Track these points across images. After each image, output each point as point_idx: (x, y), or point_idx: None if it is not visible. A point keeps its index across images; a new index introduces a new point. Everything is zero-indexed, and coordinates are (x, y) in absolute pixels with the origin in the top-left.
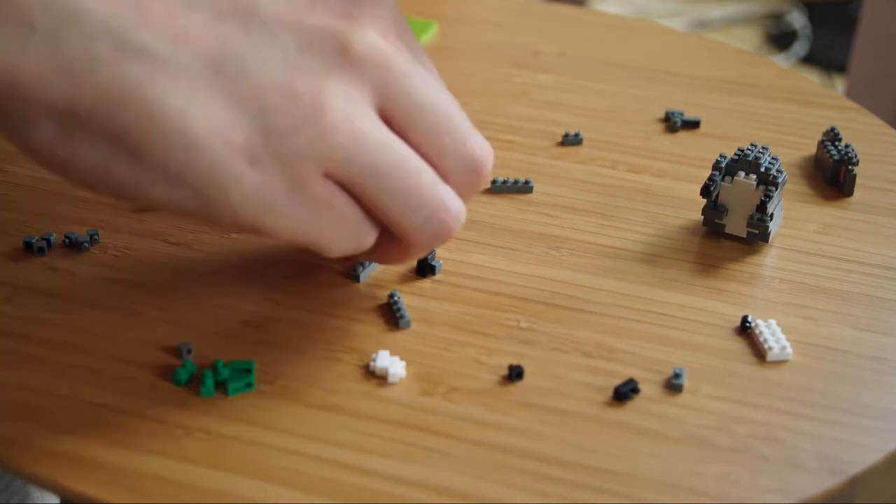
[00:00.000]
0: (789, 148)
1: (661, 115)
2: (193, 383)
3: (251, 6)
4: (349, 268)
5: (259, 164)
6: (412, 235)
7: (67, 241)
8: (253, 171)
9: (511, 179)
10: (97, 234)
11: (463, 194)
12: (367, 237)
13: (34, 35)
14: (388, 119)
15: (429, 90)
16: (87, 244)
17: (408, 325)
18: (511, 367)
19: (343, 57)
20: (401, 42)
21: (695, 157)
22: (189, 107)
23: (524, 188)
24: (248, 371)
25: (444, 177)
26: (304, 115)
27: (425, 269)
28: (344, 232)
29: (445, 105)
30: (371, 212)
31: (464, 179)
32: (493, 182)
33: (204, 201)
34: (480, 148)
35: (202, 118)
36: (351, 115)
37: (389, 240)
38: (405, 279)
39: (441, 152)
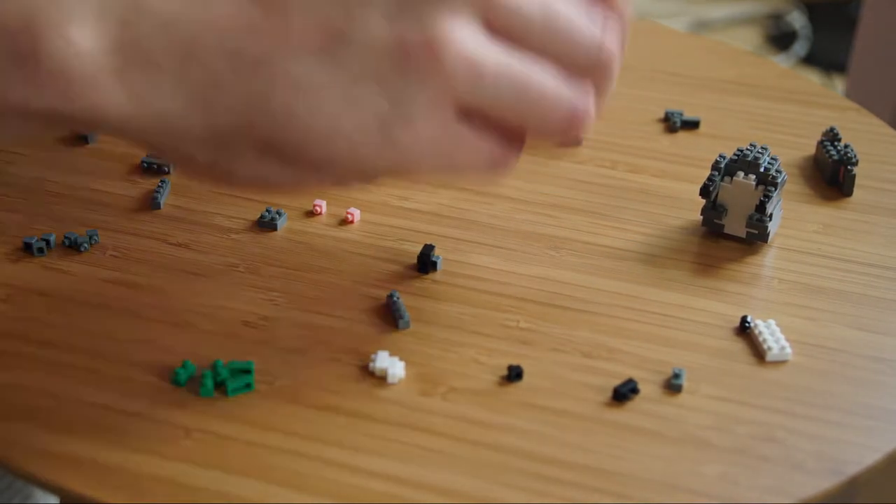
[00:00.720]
0: (789, 148)
1: (661, 115)
2: (193, 384)
3: None
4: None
5: (393, 130)
6: (549, 137)
7: (67, 241)
8: (389, 141)
9: None
10: (97, 235)
11: (596, 88)
12: (510, 160)
13: (162, 74)
14: (497, 30)
15: None
16: (86, 245)
17: (407, 325)
18: (510, 368)
19: None
20: None
21: (694, 157)
22: (314, 101)
23: None
24: (248, 371)
25: (570, 75)
26: (421, 71)
27: (427, 265)
28: (488, 161)
29: (551, 3)
30: (510, 127)
31: (591, 73)
32: None
33: (356, 178)
34: (597, 39)
35: (330, 108)
36: (463, 49)
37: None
38: (405, 278)
39: (559, 51)
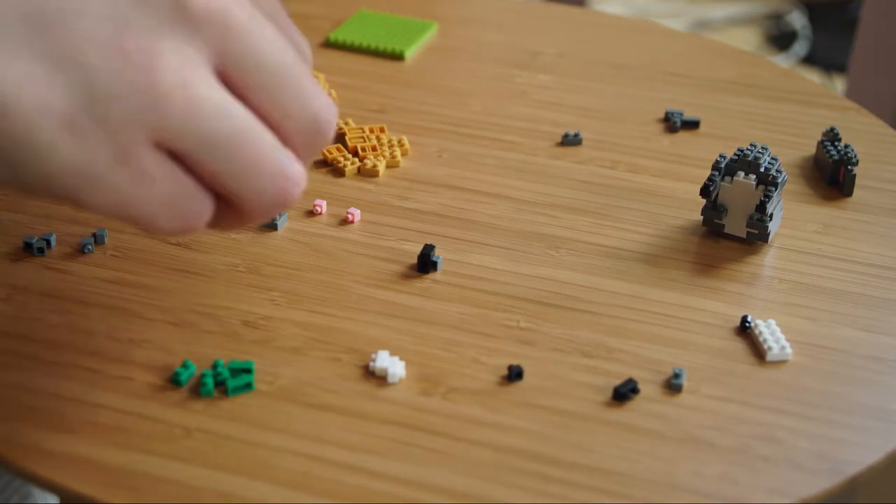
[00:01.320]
0: (789, 148)
1: (661, 115)
2: (193, 384)
3: None
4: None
5: (79, 131)
6: (250, 204)
7: (84, 246)
8: (72, 139)
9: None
10: (105, 235)
11: (304, 155)
12: (201, 214)
13: None
14: (226, 79)
15: (272, 48)
16: (90, 246)
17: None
18: (511, 368)
19: (180, 12)
20: None
21: (694, 157)
22: None
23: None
24: (248, 371)
25: (286, 138)
26: (133, 79)
27: (427, 265)
28: (174, 209)
29: (289, 64)
30: (206, 182)
31: (306, 140)
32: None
33: (17, 170)
34: (324, 108)
35: (14, 79)
36: (186, 79)
37: (225, 206)
38: (405, 278)
39: (283, 114)
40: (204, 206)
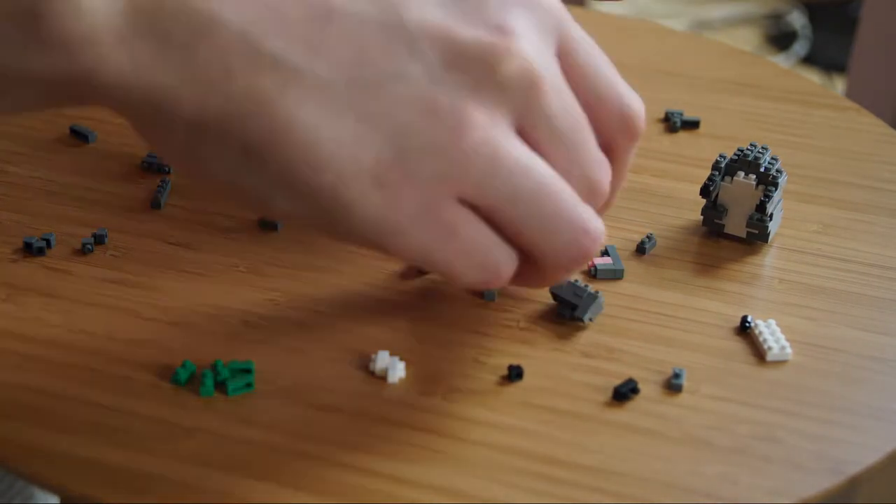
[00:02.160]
0: (789, 148)
1: (661, 115)
2: (193, 384)
3: (397, 14)
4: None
5: (388, 186)
6: (552, 259)
7: (85, 247)
8: (380, 193)
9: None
10: (105, 235)
11: (604, 209)
12: (504, 268)
13: (169, 47)
14: (524, 134)
15: (568, 111)
16: (90, 246)
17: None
18: (511, 367)
19: (490, 76)
20: (553, 49)
21: (694, 157)
22: (320, 122)
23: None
24: (248, 371)
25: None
26: (441, 137)
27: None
28: (475, 259)
29: (581, 127)
30: (509, 237)
31: (594, 204)
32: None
33: (327, 219)
34: (604, 173)
35: (332, 135)
36: (492, 137)
37: (526, 262)
38: (405, 278)
39: (576, 177)
40: (506, 259)
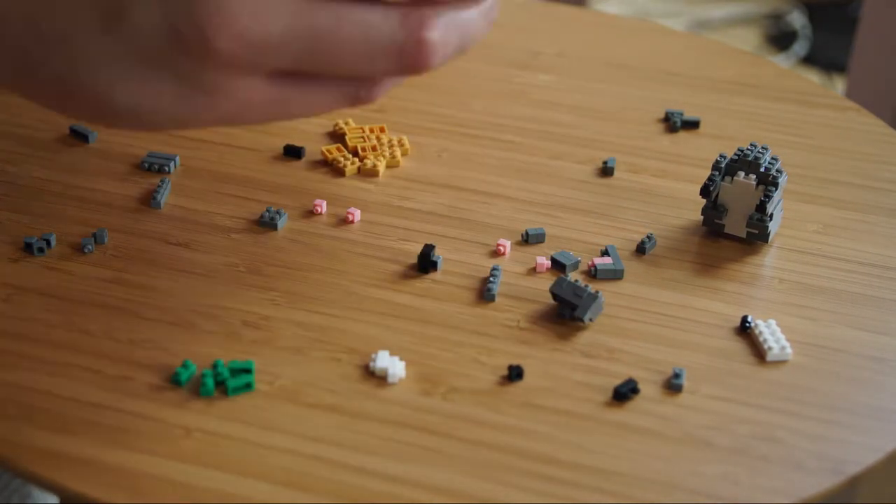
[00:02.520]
0: (789, 148)
1: (661, 115)
2: (193, 384)
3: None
4: None
5: (193, 106)
6: (389, 70)
7: (86, 248)
8: (195, 113)
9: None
10: (105, 235)
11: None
12: (368, 93)
13: None
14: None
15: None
16: (90, 246)
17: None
18: (511, 367)
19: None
20: None
21: (695, 157)
22: (112, 79)
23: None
24: (248, 371)
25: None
26: (198, 58)
27: (427, 265)
28: (338, 103)
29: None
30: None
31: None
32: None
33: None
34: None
35: (127, 86)
36: (235, 30)
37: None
38: (405, 278)
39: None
40: (357, 87)
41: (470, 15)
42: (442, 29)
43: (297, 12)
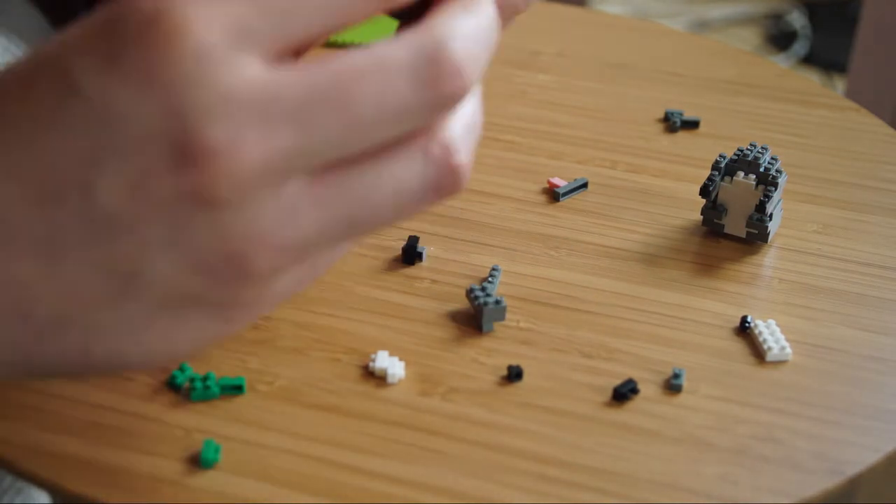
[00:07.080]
0: (789, 148)
1: (661, 115)
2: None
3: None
4: None
5: (232, 326)
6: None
7: None
8: (230, 330)
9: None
10: None
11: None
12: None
13: None
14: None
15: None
16: None
17: (490, 328)
18: (510, 368)
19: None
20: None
21: (694, 157)
22: (140, 339)
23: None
24: (239, 388)
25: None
26: (234, 283)
27: (412, 256)
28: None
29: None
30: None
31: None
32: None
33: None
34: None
35: (158, 339)
36: (268, 245)
37: None
38: (405, 278)
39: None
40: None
41: (476, 109)
42: (463, 142)
43: (321, 203)
